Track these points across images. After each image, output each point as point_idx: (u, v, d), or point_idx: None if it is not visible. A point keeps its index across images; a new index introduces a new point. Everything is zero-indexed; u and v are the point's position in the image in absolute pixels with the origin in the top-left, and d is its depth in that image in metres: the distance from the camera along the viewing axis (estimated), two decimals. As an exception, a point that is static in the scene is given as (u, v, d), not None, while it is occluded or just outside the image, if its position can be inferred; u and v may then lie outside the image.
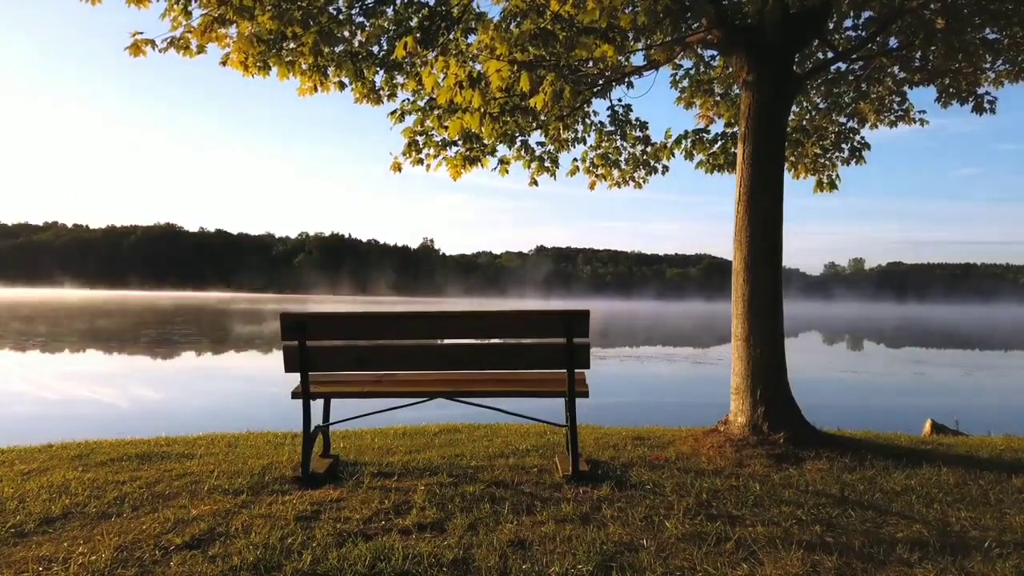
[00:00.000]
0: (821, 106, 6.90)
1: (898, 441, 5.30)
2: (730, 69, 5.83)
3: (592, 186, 7.51)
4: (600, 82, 6.45)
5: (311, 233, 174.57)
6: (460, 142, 6.37)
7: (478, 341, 4.11)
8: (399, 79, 5.97)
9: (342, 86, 5.60)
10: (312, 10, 4.95)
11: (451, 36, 5.55)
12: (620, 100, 6.76)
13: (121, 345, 22.94)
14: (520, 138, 6.58)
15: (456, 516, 3.18)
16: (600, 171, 7.36)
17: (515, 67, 4.61)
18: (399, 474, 3.94)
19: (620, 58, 6.04)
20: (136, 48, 4.77)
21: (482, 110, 5.48)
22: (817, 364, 20.67)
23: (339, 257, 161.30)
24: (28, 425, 8.95)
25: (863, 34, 5.86)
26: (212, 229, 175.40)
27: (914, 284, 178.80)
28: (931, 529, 3.08)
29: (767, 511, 3.31)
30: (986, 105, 5.88)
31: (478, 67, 5.33)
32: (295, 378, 3.89)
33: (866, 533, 3.02)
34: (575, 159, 7.29)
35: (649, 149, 7.20)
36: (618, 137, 7.13)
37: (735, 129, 6.77)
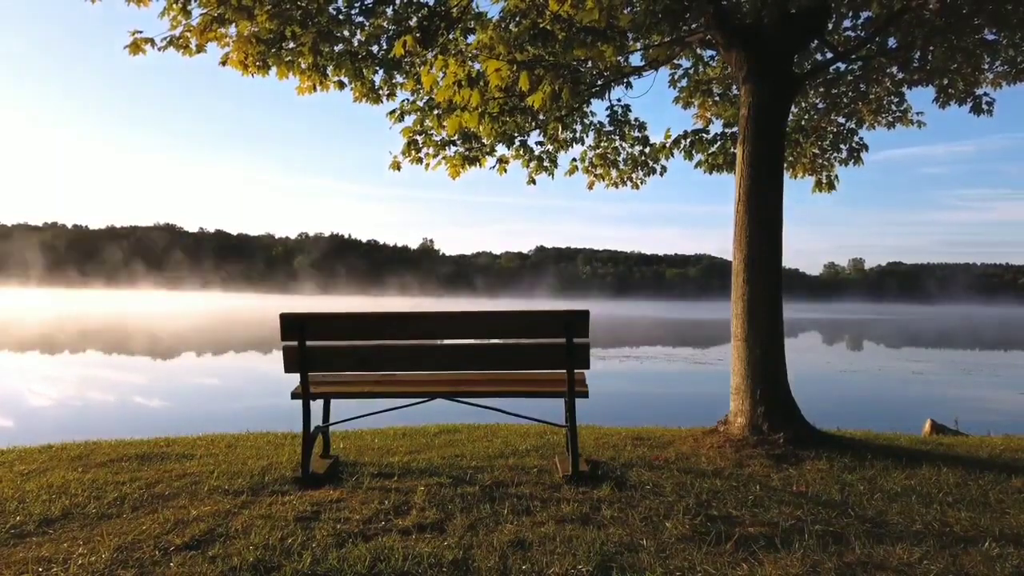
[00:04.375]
0: (820, 106, 6.91)
1: (898, 441, 5.30)
2: (729, 69, 5.83)
3: (590, 186, 7.52)
4: (599, 82, 6.45)
5: (311, 233, 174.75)
6: (459, 141, 6.38)
7: (478, 341, 4.11)
8: (398, 79, 5.98)
9: (341, 85, 5.60)
10: (311, 10, 4.96)
11: (450, 36, 5.56)
12: (619, 100, 6.78)
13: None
14: (519, 138, 6.58)
15: (456, 517, 3.18)
16: (598, 171, 7.37)
17: (514, 67, 4.61)
18: (399, 475, 3.94)
19: (619, 58, 6.05)
20: (135, 47, 4.78)
21: (481, 109, 5.48)
22: (817, 364, 20.68)
23: (339, 257, 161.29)
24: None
25: (862, 34, 5.86)
26: (212, 230, 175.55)
27: (914, 284, 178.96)
28: (931, 529, 3.08)
29: (767, 511, 3.31)
30: (984, 106, 5.87)
31: (477, 66, 5.33)
32: (295, 378, 3.89)
33: (866, 533, 3.01)
34: (573, 159, 7.31)
35: (648, 149, 7.21)
36: (616, 137, 7.14)
37: (734, 129, 6.77)
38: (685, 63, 6.81)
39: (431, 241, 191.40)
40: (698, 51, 6.50)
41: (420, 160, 6.41)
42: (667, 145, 7.06)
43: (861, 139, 6.93)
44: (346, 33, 5.36)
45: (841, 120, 6.89)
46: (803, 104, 6.93)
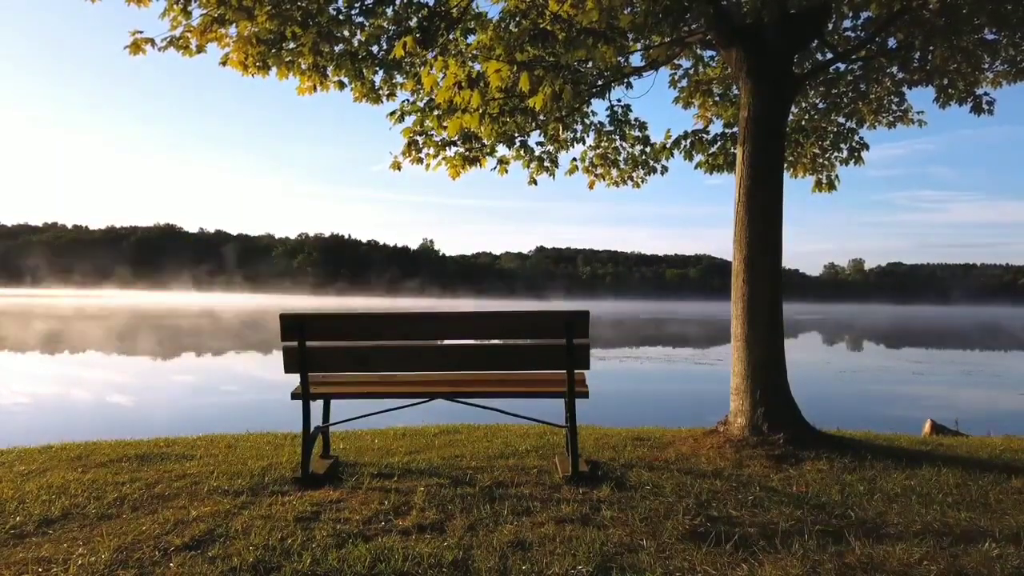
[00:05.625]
0: (820, 106, 6.90)
1: (898, 441, 5.30)
2: (729, 69, 5.83)
3: (591, 185, 7.52)
4: (599, 83, 6.46)
5: (311, 234, 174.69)
6: (459, 142, 6.37)
7: (478, 341, 4.11)
8: (398, 79, 5.98)
9: (341, 85, 5.60)
10: (311, 10, 4.95)
11: (450, 36, 5.55)
12: (619, 100, 6.78)
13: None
14: (519, 138, 6.58)
15: (456, 517, 3.18)
16: (599, 171, 7.37)
17: (514, 67, 4.61)
18: (399, 475, 3.94)
19: (619, 59, 6.05)
20: (136, 47, 4.77)
21: (481, 110, 5.48)
22: (817, 364, 20.68)
23: (339, 258, 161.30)
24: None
25: (862, 34, 5.86)
26: (212, 230, 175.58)
27: (914, 285, 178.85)
28: (931, 530, 3.08)
29: (767, 512, 3.31)
30: (984, 106, 5.87)
31: (477, 67, 5.32)
32: (295, 378, 3.89)
33: (866, 534, 3.01)
34: (574, 159, 7.30)
35: (648, 149, 7.20)
36: (617, 137, 7.13)
37: (734, 129, 6.77)
38: (685, 63, 6.81)
39: (431, 241, 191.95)
40: (698, 51, 6.50)
41: (420, 160, 6.41)
42: (667, 145, 7.06)
43: (861, 138, 6.93)
44: (346, 33, 5.36)
45: (841, 120, 6.89)
46: (803, 104, 6.93)
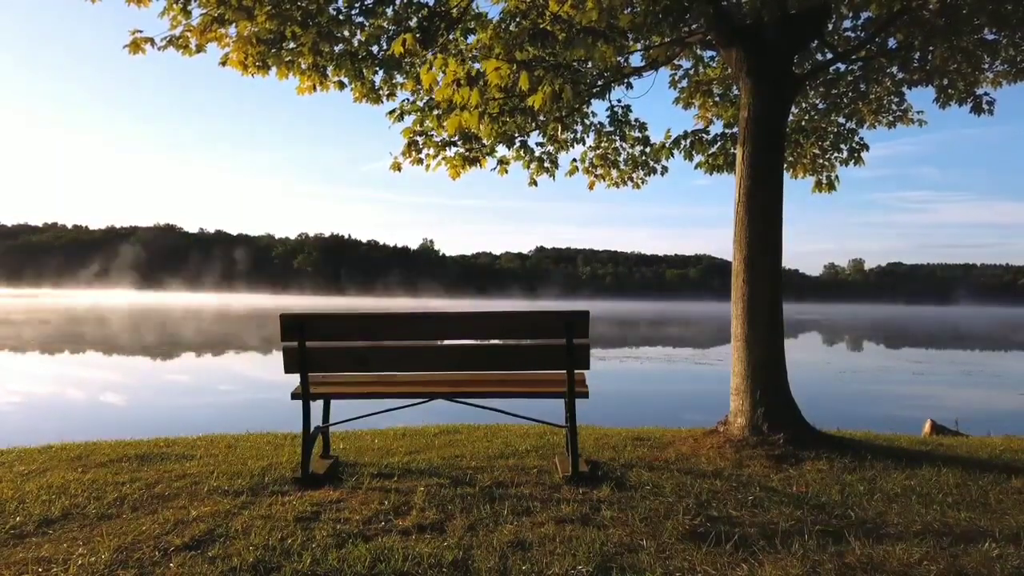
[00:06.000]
0: (820, 106, 6.90)
1: (898, 441, 5.30)
2: (729, 70, 5.83)
3: (591, 186, 7.52)
4: (599, 83, 6.45)
5: (311, 234, 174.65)
6: (459, 142, 6.37)
7: (478, 342, 4.11)
8: (398, 79, 5.97)
9: (341, 85, 5.60)
10: (311, 10, 4.95)
11: (450, 36, 5.55)
12: (619, 101, 6.77)
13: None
14: (519, 139, 6.58)
15: (456, 517, 3.17)
16: (599, 171, 7.37)
17: (514, 66, 4.60)
18: (399, 475, 3.94)
19: (619, 59, 6.04)
20: (135, 46, 4.77)
21: (481, 109, 5.48)
22: (817, 365, 20.68)
23: (339, 258, 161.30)
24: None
25: (862, 34, 5.86)
26: (212, 230, 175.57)
27: (914, 285, 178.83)
28: (931, 530, 3.08)
29: (767, 512, 3.31)
30: (984, 106, 5.86)
31: (477, 66, 5.32)
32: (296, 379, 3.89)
33: (866, 534, 3.01)
34: (574, 159, 7.29)
35: (648, 150, 7.20)
36: (617, 138, 7.13)
37: (734, 130, 6.76)
38: (685, 63, 6.81)
39: (431, 242, 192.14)
40: (698, 51, 6.50)
41: (420, 161, 6.40)
42: (667, 145, 7.06)
43: (861, 139, 6.93)
44: (346, 33, 5.35)
45: (841, 120, 6.89)
46: (803, 104, 6.93)
